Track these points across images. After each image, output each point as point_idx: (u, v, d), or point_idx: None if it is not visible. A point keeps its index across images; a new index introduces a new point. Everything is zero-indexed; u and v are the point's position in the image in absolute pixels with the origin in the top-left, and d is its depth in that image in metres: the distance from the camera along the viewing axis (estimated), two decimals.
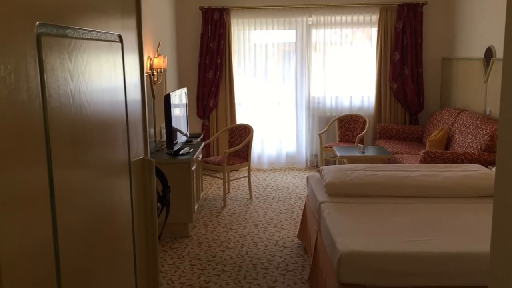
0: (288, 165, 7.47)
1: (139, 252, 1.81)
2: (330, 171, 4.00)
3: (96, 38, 1.30)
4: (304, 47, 7.17)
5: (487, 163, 4.89)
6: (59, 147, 1.05)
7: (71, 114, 1.12)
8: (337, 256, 2.75)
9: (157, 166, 2.63)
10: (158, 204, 2.59)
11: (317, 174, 4.35)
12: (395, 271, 2.70)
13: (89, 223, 1.27)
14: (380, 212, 3.41)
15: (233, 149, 5.68)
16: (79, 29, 1.18)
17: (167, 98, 4.44)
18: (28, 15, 0.92)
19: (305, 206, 4.40)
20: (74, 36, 1.14)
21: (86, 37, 1.23)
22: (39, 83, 0.95)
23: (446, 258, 2.69)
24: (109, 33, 1.42)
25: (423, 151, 5.17)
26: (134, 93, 1.79)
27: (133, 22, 1.80)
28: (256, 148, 7.34)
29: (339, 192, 3.74)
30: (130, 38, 1.75)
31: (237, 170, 6.87)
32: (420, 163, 5.12)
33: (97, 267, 1.34)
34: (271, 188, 6.31)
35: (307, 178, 4.43)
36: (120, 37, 1.59)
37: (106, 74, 1.41)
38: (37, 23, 0.94)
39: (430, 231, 3.02)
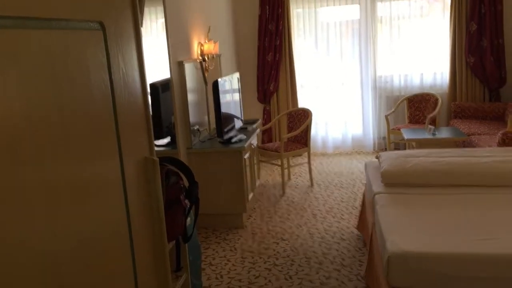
0: (355, 149, 7.09)
1: (143, 259, 1.66)
2: (388, 158, 3.65)
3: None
4: (368, 22, 6.70)
5: None
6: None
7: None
8: (386, 257, 2.46)
9: (181, 161, 2.48)
10: (186, 201, 2.44)
11: (377, 160, 4.01)
12: (454, 275, 2.36)
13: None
14: (442, 205, 3.03)
15: (290, 134, 5.44)
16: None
17: (215, 85, 4.28)
18: None
19: (364, 195, 4.09)
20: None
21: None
22: None
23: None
24: (71, 21, 1.25)
25: (501, 132, 4.62)
26: (130, 86, 1.61)
27: (124, 7, 1.61)
28: (320, 132, 7.04)
29: (396, 181, 3.39)
30: (121, 26, 1.57)
31: (300, 156, 6.62)
32: (498, 145, 4.59)
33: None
34: (334, 174, 6.00)
35: (365, 165, 4.10)
36: (101, 24, 1.42)
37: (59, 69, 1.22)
38: None
39: (499, 228, 2.62)
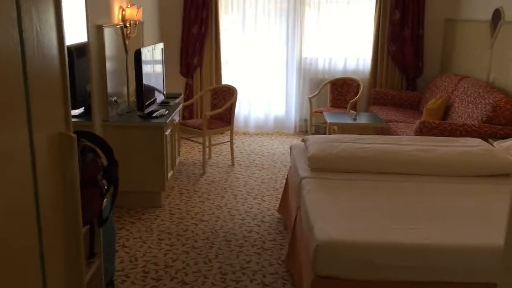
0: (277, 130, 7.05)
1: (52, 245, 1.43)
2: (315, 142, 3.60)
3: None
4: (297, 3, 6.62)
5: (487, 136, 4.50)
6: None
7: None
8: (314, 245, 2.39)
9: (100, 136, 2.22)
10: (104, 181, 2.20)
11: (302, 144, 3.95)
12: (379, 263, 2.35)
13: None
14: (368, 192, 3.03)
15: (214, 112, 5.26)
16: None
17: (138, 54, 3.98)
18: None
19: (287, 179, 4.03)
20: None
21: None
22: None
23: (435, 251, 2.34)
24: None
25: (419, 121, 4.76)
26: (46, 48, 1.35)
27: None
28: (243, 110, 6.90)
29: (323, 166, 3.35)
30: None
31: (221, 134, 6.45)
32: (415, 134, 4.73)
33: None
34: (256, 154, 5.92)
35: (291, 147, 4.04)
36: None
37: None
38: None
39: (421, 217, 2.66)
